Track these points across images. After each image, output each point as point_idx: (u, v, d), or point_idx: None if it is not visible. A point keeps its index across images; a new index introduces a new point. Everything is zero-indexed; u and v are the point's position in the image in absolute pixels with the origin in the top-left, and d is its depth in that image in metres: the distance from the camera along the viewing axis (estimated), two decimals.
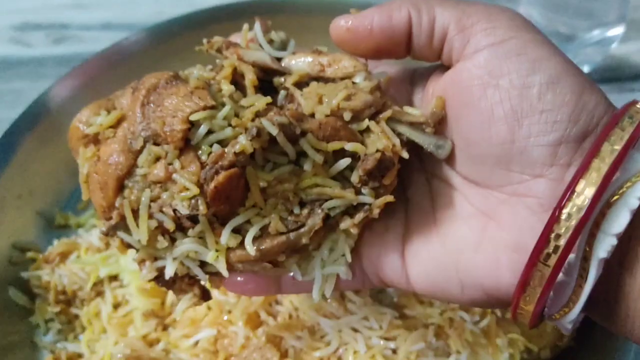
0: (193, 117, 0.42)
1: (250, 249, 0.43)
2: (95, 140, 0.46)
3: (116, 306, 0.69)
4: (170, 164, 0.42)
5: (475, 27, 0.43)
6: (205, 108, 0.42)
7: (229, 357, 0.62)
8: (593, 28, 0.86)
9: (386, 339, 0.59)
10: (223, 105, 0.44)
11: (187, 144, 0.42)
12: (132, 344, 0.64)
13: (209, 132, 0.42)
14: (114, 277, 0.71)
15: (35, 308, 0.71)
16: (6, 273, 0.71)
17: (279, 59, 0.49)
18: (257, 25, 0.50)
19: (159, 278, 0.47)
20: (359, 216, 0.45)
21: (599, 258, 0.37)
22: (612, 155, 0.37)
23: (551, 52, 0.41)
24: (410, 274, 0.46)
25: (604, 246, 0.37)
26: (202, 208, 0.42)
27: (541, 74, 0.40)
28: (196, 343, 0.64)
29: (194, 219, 0.43)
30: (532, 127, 0.40)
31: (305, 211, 0.44)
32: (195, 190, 0.41)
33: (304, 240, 0.44)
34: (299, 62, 0.48)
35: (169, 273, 0.45)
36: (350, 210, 0.45)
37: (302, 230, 0.44)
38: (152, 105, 0.44)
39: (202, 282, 0.49)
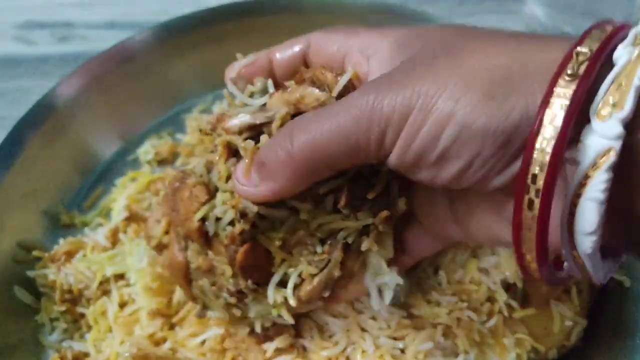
0: (197, 216, 0.48)
1: (293, 301, 0.49)
2: (160, 249, 0.56)
3: (122, 305, 0.69)
4: (206, 254, 0.50)
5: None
6: (203, 203, 0.49)
7: (237, 356, 0.62)
8: None
9: (394, 338, 0.58)
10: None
11: (207, 237, 0.49)
12: (138, 343, 0.64)
13: (218, 219, 0.48)
14: (120, 276, 0.70)
15: (41, 307, 0.71)
16: (11, 272, 0.71)
17: (264, 104, 0.51)
18: (233, 88, 0.54)
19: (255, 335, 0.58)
20: (373, 235, 0.49)
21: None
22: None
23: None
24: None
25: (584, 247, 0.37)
26: (241, 283, 0.49)
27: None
28: (203, 342, 0.63)
29: (242, 293, 0.50)
30: None
31: (326, 247, 0.49)
32: (229, 271, 0.48)
33: (337, 274, 0.49)
34: (278, 104, 0.50)
35: (257, 328, 0.55)
36: (364, 230, 0.49)
37: (330, 265, 0.49)
38: (174, 209, 0.52)
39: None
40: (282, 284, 0.50)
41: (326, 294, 0.51)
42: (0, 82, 0.96)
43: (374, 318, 0.59)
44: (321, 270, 0.49)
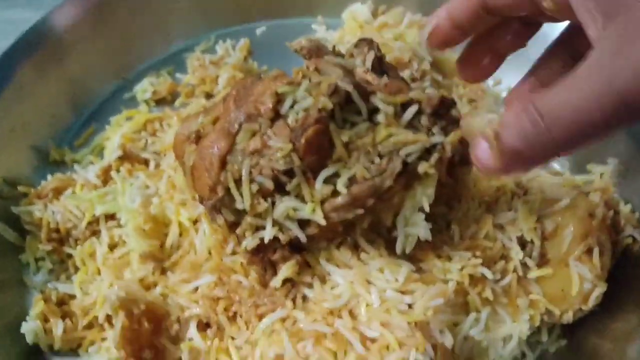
0: (280, 90, 0.51)
1: (343, 189, 0.50)
2: (197, 140, 0.56)
3: (112, 247, 0.65)
4: (264, 134, 0.51)
5: None
6: (289, 84, 0.52)
7: (230, 305, 0.58)
8: None
9: (402, 292, 0.54)
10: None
11: (277, 116, 0.51)
12: (127, 287, 0.59)
13: (293, 104, 0.51)
14: (110, 216, 0.66)
15: (26, 245, 0.67)
16: None
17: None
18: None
19: (260, 252, 0.55)
20: (434, 157, 0.52)
21: None
22: None
23: None
24: None
25: None
26: (296, 160, 0.49)
27: None
28: (196, 289, 0.59)
29: (290, 174, 0.51)
30: None
31: (384, 161, 0.51)
32: (289, 146, 0.49)
33: (388, 183, 0.51)
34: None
35: (268, 235, 0.53)
36: (424, 156, 0.52)
37: (385, 174, 0.51)
38: (242, 97, 0.54)
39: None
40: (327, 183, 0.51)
41: (370, 202, 0.51)
42: None
43: (380, 270, 0.55)
44: (375, 177, 0.51)
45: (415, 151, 0.51)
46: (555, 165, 0.72)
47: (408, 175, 0.52)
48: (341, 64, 0.54)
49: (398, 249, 0.55)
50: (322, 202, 0.51)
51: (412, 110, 0.52)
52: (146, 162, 0.71)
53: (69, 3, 0.77)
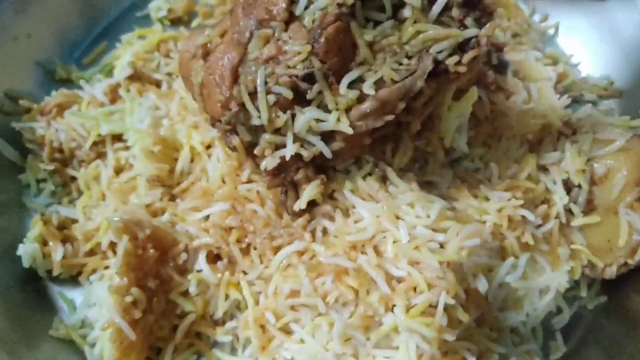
0: None
1: (371, 92, 0.46)
2: (204, 55, 0.52)
3: (118, 170, 0.61)
4: (278, 39, 0.47)
5: None
6: None
7: (244, 236, 0.53)
8: None
9: (434, 230, 0.49)
10: None
11: (291, 18, 0.47)
12: (133, 212, 0.55)
13: (309, 4, 0.47)
14: (117, 138, 0.61)
15: (27, 165, 0.62)
16: None
17: None
18: None
19: (280, 173, 0.51)
20: (470, 53, 0.48)
21: None
22: None
23: None
24: None
25: None
26: (316, 63, 0.45)
27: None
28: (207, 218, 0.55)
29: (310, 80, 0.46)
30: None
31: (413, 61, 0.47)
32: (307, 48, 0.45)
33: (419, 84, 0.46)
34: None
35: (289, 151, 0.49)
36: (458, 53, 0.48)
37: (416, 74, 0.46)
38: (251, 3, 0.49)
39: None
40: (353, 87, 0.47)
41: (402, 106, 0.47)
42: None
43: (411, 205, 0.50)
44: (404, 78, 0.47)
45: (447, 48, 0.47)
46: (610, 103, 0.66)
47: (440, 77, 0.48)
48: None
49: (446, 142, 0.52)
50: (348, 110, 0.47)
51: (441, 1, 0.47)
52: (158, 84, 0.66)
53: None
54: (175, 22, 0.75)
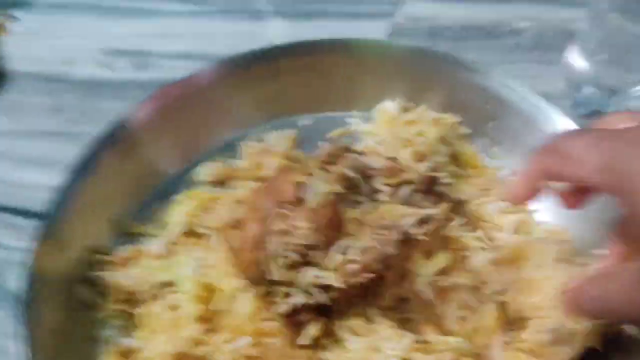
0: (299, 180, 0.65)
1: (356, 255, 0.63)
2: (237, 226, 0.70)
3: (170, 309, 0.77)
4: (290, 217, 0.64)
5: None
6: (307, 174, 0.66)
7: None
8: (637, 83, 0.90)
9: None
10: None
11: (298, 201, 0.64)
12: (179, 345, 0.71)
13: (311, 191, 0.64)
14: (170, 283, 0.78)
15: (100, 306, 0.80)
16: (76, 273, 0.80)
17: None
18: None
19: (291, 317, 0.67)
20: (429, 226, 0.66)
21: None
22: None
23: None
24: None
25: None
26: (316, 235, 0.62)
27: None
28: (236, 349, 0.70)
29: (313, 247, 0.63)
30: None
31: (387, 232, 0.63)
32: (310, 224, 0.62)
33: (391, 250, 0.63)
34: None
35: (297, 300, 0.65)
36: (421, 226, 0.65)
37: (390, 242, 0.63)
38: (270, 190, 0.68)
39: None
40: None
41: (378, 267, 0.63)
42: (84, 102, 1.07)
43: (388, 339, 0.65)
44: (380, 246, 0.63)
45: (411, 223, 0.65)
46: None
47: (409, 244, 0.65)
48: (354, 159, 0.69)
49: None
50: (340, 270, 0.63)
51: (406, 189, 0.67)
52: (203, 237, 0.83)
53: (148, 100, 0.91)
54: (218, 184, 0.92)
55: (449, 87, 0.93)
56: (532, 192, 0.63)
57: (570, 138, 0.56)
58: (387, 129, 0.90)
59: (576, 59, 0.94)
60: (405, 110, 0.93)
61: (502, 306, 0.71)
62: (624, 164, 0.48)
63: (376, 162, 0.69)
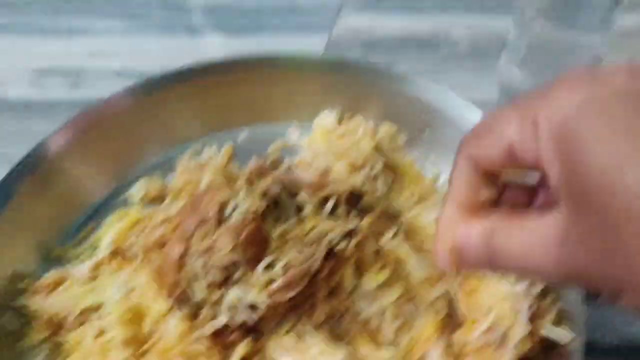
0: (222, 198, 0.64)
1: (280, 272, 0.62)
2: (161, 246, 0.70)
3: (98, 334, 0.74)
4: (211, 236, 0.63)
5: None
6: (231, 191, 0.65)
7: None
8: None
9: None
10: None
11: (221, 219, 0.63)
12: None
13: (234, 209, 0.63)
14: (98, 307, 0.76)
15: (25, 334, 0.76)
16: (0, 301, 0.77)
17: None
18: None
19: (219, 337, 0.65)
20: (353, 240, 0.65)
21: None
22: None
23: None
24: None
25: None
26: (239, 254, 0.61)
27: None
28: None
29: (236, 266, 0.62)
30: None
31: (312, 248, 0.62)
32: (232, 242, 0.61)
33: (316, 266, 0.62)
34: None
35: (222, 321, 0.63)
36: (346, 240, 0.64)
37: (315, 257, 0.62)
38: (194, 207, 0.67)
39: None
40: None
41: (303, 284, 0.62)
42: (12, 124, 1.04)
43: (321, 354, 0.63)
44: (306, 261, 0.62)
45: (336, 237, 0.64)
46: None
47: (334, 258, 0.64)
48: (280, 174, 0.69)
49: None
50: (266, 287, 0.62)
51: (330, 203, 0.66)
52: (132, 258, 0.81)
53: (72, 122, 0.89)
54: (151, 201, 0.91)
55: (384, 98, 0.93)
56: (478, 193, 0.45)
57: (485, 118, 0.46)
58: (323, 141, 0.89)
59: (508, 67, 0.95)
60: (342, 121, 0.93)
61: (441, 312, 0.70)
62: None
63: (306, 176, 0.68)
